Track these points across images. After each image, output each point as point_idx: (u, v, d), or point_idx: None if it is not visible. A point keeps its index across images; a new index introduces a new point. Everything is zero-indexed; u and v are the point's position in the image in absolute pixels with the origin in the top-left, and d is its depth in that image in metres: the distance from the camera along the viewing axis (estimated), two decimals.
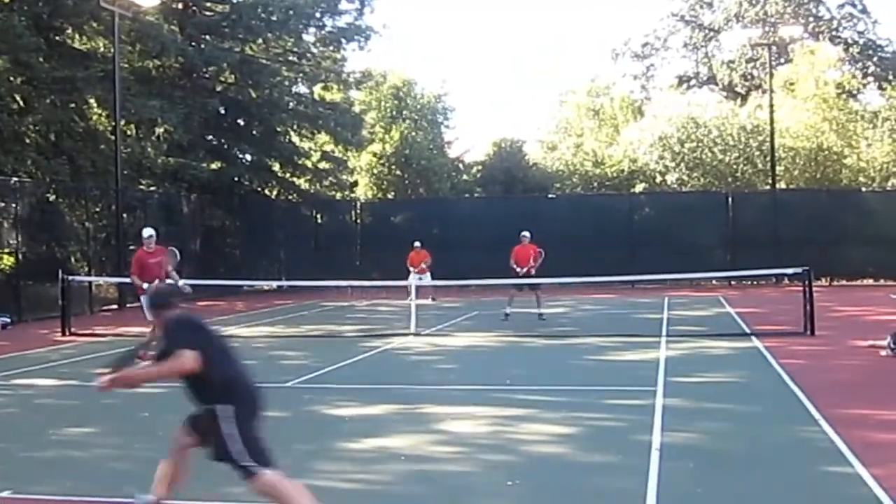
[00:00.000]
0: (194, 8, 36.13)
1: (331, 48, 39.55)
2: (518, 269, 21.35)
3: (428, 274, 27.12)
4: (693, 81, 60.92)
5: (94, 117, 30.74)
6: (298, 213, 38.98)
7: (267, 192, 39.67)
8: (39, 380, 13.61)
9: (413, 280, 24.90)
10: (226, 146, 37.88)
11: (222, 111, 36.81)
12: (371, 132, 43.50)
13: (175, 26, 34.32)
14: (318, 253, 35.48)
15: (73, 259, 27.64)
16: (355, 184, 45.34)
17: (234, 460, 6.10)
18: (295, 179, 40.48)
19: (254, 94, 37.36)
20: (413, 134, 44.36)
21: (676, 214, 34.98)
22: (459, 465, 8.05)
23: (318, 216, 38.95)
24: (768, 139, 37.89)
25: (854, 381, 12.08)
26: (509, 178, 44.52)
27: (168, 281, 15.15)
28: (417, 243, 28.44)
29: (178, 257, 17.20)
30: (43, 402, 11.89)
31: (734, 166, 43.02)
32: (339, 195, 43.01)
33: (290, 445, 8.92)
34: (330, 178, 42.80)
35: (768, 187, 37.89)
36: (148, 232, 16.01)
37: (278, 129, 38.54)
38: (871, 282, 32.77)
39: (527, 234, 22.04)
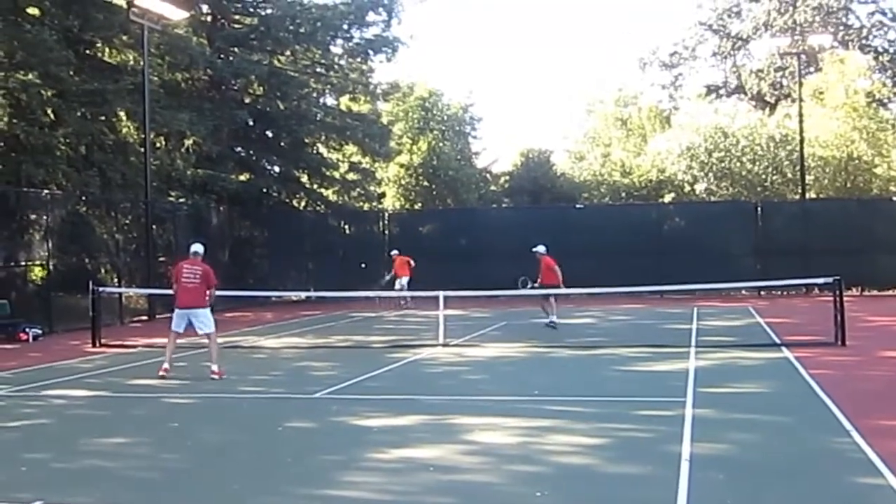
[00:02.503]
0: (223, 20, 36.39)
1: (358, 60, 39.69)
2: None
3: (406, 278, 28.37)
4: (721, 91, 60.73)
5: (124, 129, 30.98)
6: (326, 224, 39.07)
7: (295, 203, 39.84)
8: (70, 390, 13.70)
9: (399, 287, 25.75)
10: (254, 158, 38.11)
11: (250, 123, 37.05)
12: (398, 143, 43.62)
13: (204, 39, 34.57)
14: (345, 264, 35.55)
15: (103, 270, 27.84)
16: (383, 195, 45.44)
17: None
18: (323, 190, 40.63)
19: (282, 106, 37.57)
20: (440, 144, 44.47)
21: (705, 224, 34.84)
22: (487, 475, 8.03)
23: (346, 227, 39.09)
24: (797, 149, 37.68)
25: (885, 392, 11.99)
26: (537, 188, 44.56)
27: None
28: (395, 251, 29.30)
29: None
30: (74, 412, 11.97)
31: (763, 176, 42.84)
32: (366, 206, 43.11)
33: (317, 456, 8.98)
34: (357, 190, 42.90)
35: (798, 197, 37.65)
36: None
37: (306, 141, 38.73)
38: None
39: (541, 247, 22.46)
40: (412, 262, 29.51)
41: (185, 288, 14.98)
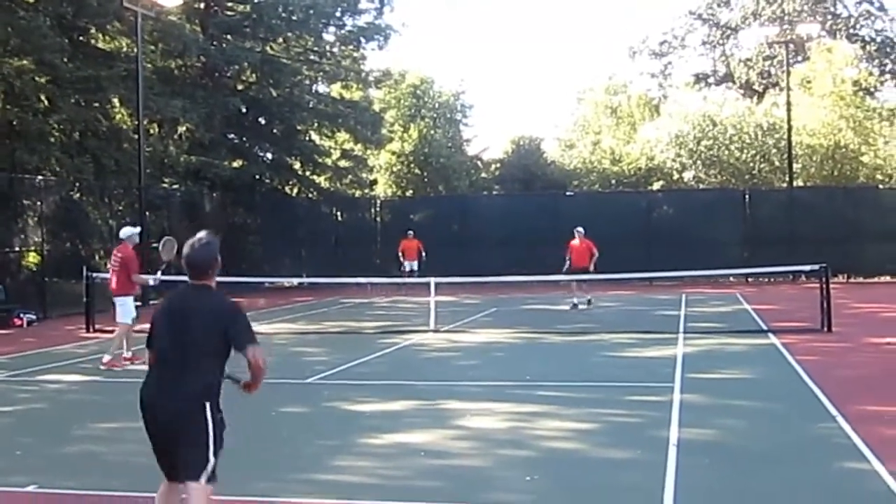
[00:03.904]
0: (216, 8, 36.24)
1: (350, 47, 39.60)
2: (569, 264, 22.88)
3: (416, 262, 28.34)
4: (710, 79, 60.74)
5: (118, 116, 30.89)
6: (319, 211, 39.01)
7: (287, 190, 39.78)
8: (65, 375, 13.71)
9: (408, 271, 25.59)
10: (247, 144, 38.02)
11: (243, 110, 36.92)
12: (390, 130, 43.56)
13: (197, 26, 34.47)
14: (337, 250, 35.54)
15: (97, 256, 27.76)
16: (375, 182, 45.40)
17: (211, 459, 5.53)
18: (315, 177, 40.57)
19: (274, 93, 37.49)
20: (432, 132, 44.42)
21: (693, 212, 34.91)
22: (478, 460, 8.07)
23: (338, 214, 39.04)
24: (785, 137, 37.71)
25: (871, 378, 12.04)
26: (528, 176, 44.55)
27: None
28: (410, 232, 29.15)
29: (175, 248, 17.18)
30: (68, 397, 11.98)
31: (751, 164, 42.89)
32: (358, 193, 43.08)
33: (310, 441, 8.99)
34: (350, 177, 42.87)
35: (785, 185, 37.70)
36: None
37: (299, 128, 38.66)
38: (888, 279, 32.58)
39: (580, 229, 23.29)
40: (423, 251, 29.37)
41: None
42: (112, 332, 15.53)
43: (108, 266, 14.86)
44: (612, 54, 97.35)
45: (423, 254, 29.41)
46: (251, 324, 5.86)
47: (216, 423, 5.60)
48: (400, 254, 29.68)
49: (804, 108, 42.10)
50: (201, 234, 6.01)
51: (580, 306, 22.85)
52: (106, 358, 14.33)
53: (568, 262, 22.92)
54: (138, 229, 15.81)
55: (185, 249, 5.83)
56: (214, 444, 5.55)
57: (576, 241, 23.07)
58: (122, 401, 11.54)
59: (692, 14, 62.11)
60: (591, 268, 22.65)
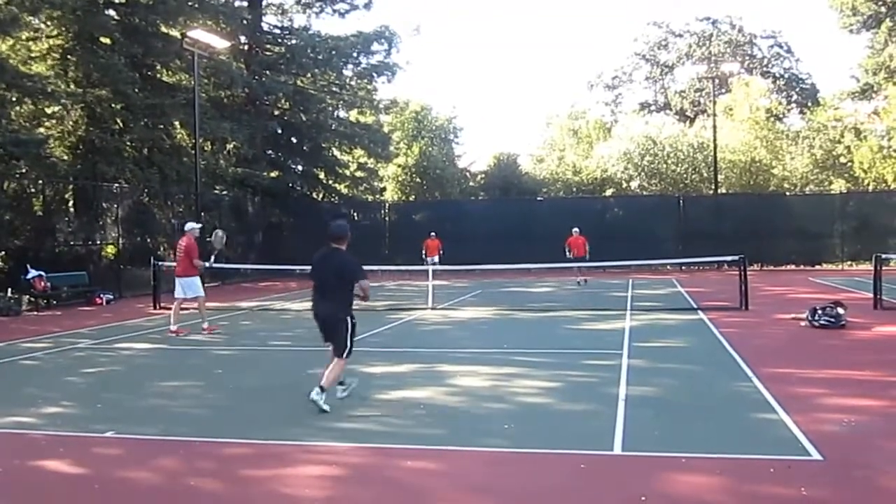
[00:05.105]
0: (257, 49, 36.15)
1: (365, 81, 39.43)
2: (569, 254, 24.78)
3: (436, 257, 28.05)
4: (652, 107, 60.81)
5: (178, 136, 30.77)
6: (339, 213, 38.84)
7: (315, 195, 39.63)
8: (136, 344, 13.70)
9: (431, 265, 25.20)
10: (282, 159, 37.90)
11: (279, 131, 36.80)
12: (396, 148, 43.46)
13: (242, 64, 34.34)
14: (354, 244, 35.28)
15: (161, 248, 27.73)
16: (384, 189, 45.31)
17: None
18: (336, 185, 40.43)
19: (304, 118, 37.37)
20: (430, 149, 44.37)
21: (639, 214, 34.91)
22: (466, 412, 8.08)
23: (355, 214, 38.89)
24: (712, 154, 37.76)
25: (779, 346, 12.07)
26: (506, 185, 44.54)
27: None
28: (433, 233, 28.92)
29: (224, 240, 17.24)
30: (139, 361, 11.98)
31: (684, 175, 42.93)
32: (371, 198, 42.97)
33: (332, 395, 8.99)
34: (364, 185, 42.72)
35: (712, 192, 37.76)
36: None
37: (323, 146, 38.52)
38: (793, 267, 32.66)
39: (576, 229, 25.17)
40: (441, 249, 29.19)
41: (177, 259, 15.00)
42: (170, 308, 15.50)
43: (174, 255, 14.88)
44: (574, 87, 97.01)
45: (442, 251, 29.15)
46: (362, 268, 8.31)
47: (350, 325, 8.21)
48: (423, 251, 29.31)
49: (727, 130, 42.20)
50: (339, 220, 8.92)
51: (580, 282, 25.15)
52: (205, 325, 14.68)
53: (568, 252, 24.65)
54: (199, 225, 15.81)
55: (330, 227, 8.63)
56: (350, 338, 8.19)
57: (573, 237, 24.90)
58: (183, 364, 11.58)
59: (637, 55, 62.34)
60: (587, 256, 24.57)
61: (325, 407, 7.87)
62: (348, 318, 8.16)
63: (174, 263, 15.90)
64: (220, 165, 32.58)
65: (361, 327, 15.23)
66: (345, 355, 8.15)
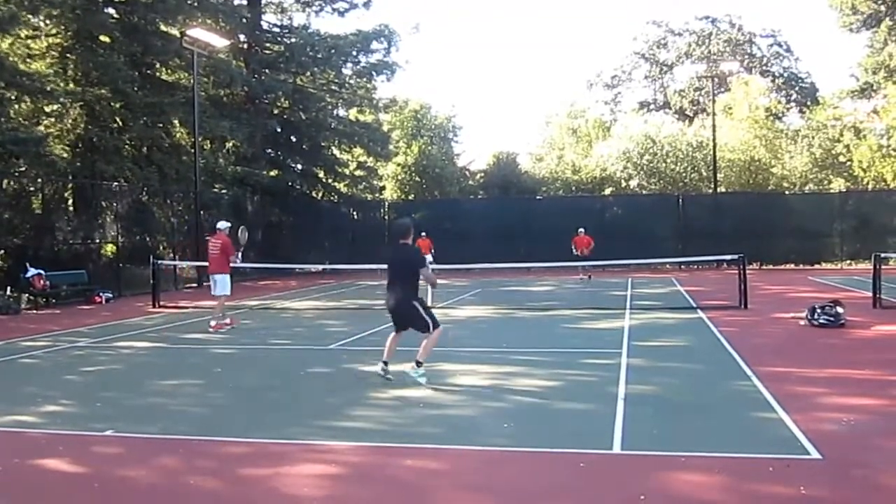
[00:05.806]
0: (256, 48, 36.14)
1: (364, 79, 39.43)
2: (576, 252, 25.61)
3: (429, 256, 27.93)
4: (651, 106, 60.80)
5: (177, 134, 30.78)
6: (339, 211, 38.87)
7: (314, 194, 39.65)
8: (136, 342, 13.69)
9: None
10: (281, 157, 37.90)
11: (279, 130, 36.81)
12: (396, 147, 43.44)
13: (241, 62, 34.38)
14: (353, 243, 35.43)
15: (161, 247, 27.73)
16: (383, 188, 45.30)
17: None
18: (336, 184, 40.44)
19: (303, 117, 37.39)
20: (429, 148, 44.35)
21: (637, 212, 34.91)
22: (465, 410, 8.06)
23: (354, 213, 38.92)
24: (711, 152, 37.77)
25: (778, 345, 12.05)
26: (505, 184, 44.51)
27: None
28: (423, 233, 28.89)
29: (247, 235, 17.34)
30: (139, 360, 11.96)
31: (683, 174, 42.92)
32: (370, 197, 42.97)
33: (333, 394, 8.99)
34: (363, 184, 42.74)
35: (711, 191, 37.76)
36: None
37: (323, 144, 38.54)
38: (792, 266, 32.67)
39: (581, 229, 25.98)
40: (432, 247, 29.12)
41: (210, 257, 15.09)
42: (170, 308, 15.50)
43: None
44: (574, 85, 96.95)
45: (434, 250, 29.06)
46: (425, 260, 9.79)
47: (423, 307, 9.41)
48: None
49: (726, 129, 42.20)
50: (403, 219, 9.99)
51: (583, 279, 25.83)
52: (213, 322, 14.71)
53: (575, 251, 25.45)
54: (229, 224, 15.82)
55: (392, 227, 10.13)
56: (426, 315, 9.36)
57: (578, 236, 25.76)
58: (182, 363, 11.56)
59: (637, 54, 62.28)
60: (590, 254, 25.18)
61: (422, 380, 9.01)
62: (415, 302, 9.28)
63: (206, 263, 15.98)
64: (219, 164, 32.59)
65: (360, 325, 15.27)
66: (431, 329, 9.21)
